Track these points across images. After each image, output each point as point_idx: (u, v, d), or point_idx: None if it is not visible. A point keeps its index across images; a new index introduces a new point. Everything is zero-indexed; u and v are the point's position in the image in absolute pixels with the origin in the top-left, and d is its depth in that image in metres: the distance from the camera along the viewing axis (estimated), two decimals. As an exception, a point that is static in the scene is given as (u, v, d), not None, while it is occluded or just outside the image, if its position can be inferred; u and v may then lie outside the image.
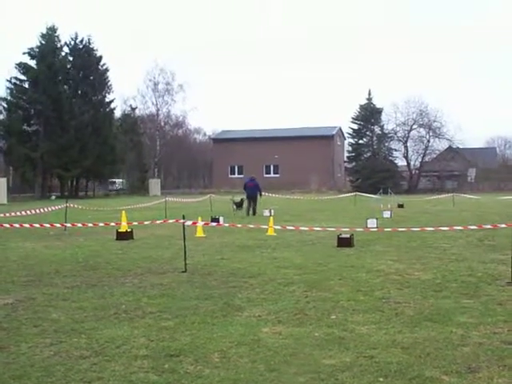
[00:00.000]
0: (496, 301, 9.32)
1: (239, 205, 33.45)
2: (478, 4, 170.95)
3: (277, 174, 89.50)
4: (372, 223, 21.95)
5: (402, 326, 7.83)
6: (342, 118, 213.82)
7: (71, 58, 75.52)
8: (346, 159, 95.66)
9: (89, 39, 76.58)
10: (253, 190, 33.26)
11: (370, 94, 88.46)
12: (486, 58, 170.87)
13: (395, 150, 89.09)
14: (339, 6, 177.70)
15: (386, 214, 29.36)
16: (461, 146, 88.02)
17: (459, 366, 6.17)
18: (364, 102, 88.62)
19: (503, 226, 13.06)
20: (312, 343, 7.08)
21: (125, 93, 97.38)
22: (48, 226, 17.61)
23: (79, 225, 17.62)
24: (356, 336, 7.36)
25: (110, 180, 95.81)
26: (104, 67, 78.48)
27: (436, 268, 12.71)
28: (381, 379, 5.82)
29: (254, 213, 32.21)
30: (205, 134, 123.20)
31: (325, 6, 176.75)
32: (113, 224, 18.24)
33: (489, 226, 14.81)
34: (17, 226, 16.66)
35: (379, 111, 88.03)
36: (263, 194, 35.04)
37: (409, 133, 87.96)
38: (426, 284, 10.85)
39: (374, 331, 7.59)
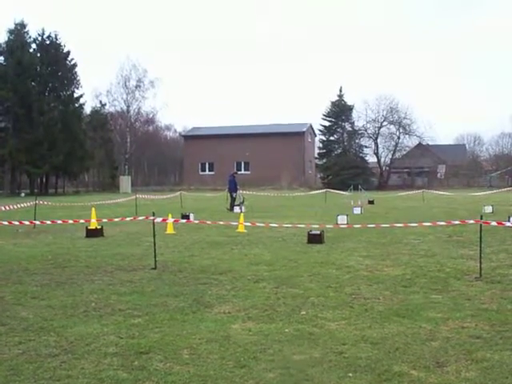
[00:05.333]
0: (465, 296, 9.41)
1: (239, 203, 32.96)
2: (451, 4, 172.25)
3: (248, 170, 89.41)
4: (342, 220, 22.06)
5: (371, 321, 7.88)
6: (312, 115, 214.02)
7: (39, 54, 74.82)
8: (316, 156, 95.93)
9: (55, 35, 76.32)
10: (228, 186, 33.61)
11: (341, 91, 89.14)
12: (457, 56, 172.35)
13: (366, 147, 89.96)
14: (310, 3, 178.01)
15: (357, 211, 29.55)
16: (430, 143, 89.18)
17: (427, 361, 6.22)
18: (335, 98, 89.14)
19: (471, 222, 13.16)
20: (282, 339, 7.10)
21: (97, 89, 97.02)
22: (17, 223, 17.42)
23: (48, 222, 17.46)
24: (326, 332, 7.39)
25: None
26: (72, 62, 78.06)
27: (405, 264, 12.80)
28: (350, 374, 5.85)
29: (229, 208, 32.21)
30: (175, 131, 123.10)
31: (295, 4, 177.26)
32: (82, 221, 18.10)
33: (457, 222, 14.95)
34: (-15, 223, 16.46)
35: (350, 108, 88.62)
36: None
37: (379, 129, 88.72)
38: (395, 280, 10.92)
39: (343, 327, 7.62)
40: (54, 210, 32.19)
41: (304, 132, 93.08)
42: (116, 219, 17.63)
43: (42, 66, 74.49)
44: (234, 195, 33.54)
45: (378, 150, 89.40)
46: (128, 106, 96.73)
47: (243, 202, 32.50)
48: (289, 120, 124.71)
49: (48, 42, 75.65)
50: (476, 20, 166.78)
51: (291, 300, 9.25)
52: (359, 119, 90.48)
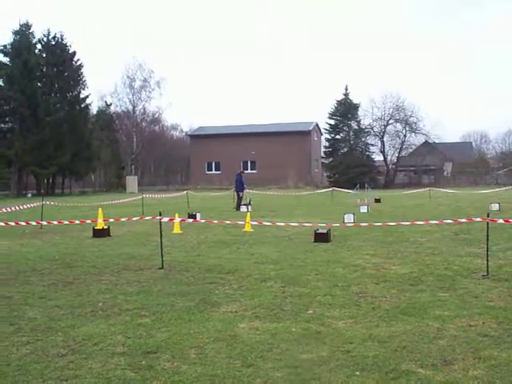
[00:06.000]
0: (472, 294, 9.39)
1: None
2: (456, 3, 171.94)
3: (254, 170, 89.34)
4: (349, 218, 22.03)
5: (378, 320, 7.87)
6: (318, 114, 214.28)
7: (44, 55, 74.93)
8: (322, 155, 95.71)
9: (61, 35, 76.39)
10: (235, 185, 33.62)
11: (346, 90, 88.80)
12: (462, 54, 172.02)
13: (372, 145, 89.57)
14: (315, 2, 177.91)
15: (363, 209, 29.47)
16: (437, 141, 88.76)
17: (435, 359, 6.21)
18: (341, 97, 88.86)
19: (478, 219, 13.11)
20: (289, 338, 7.09)
21: (102, 89, 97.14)
22: (24, 223, 17.45)
23: (55, 222, 17.47)
24: (333, 330, 7.38)
25: None
26: (78, 63, 78.19)
27: (412, 262, 12.78)
28: (357, 373, 5.84)
29: (236, 207, 32.20)
30: (181, 131, 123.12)
31: (298, 3, 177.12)
32: (89, 221, 18.11)
33: (464, 220, 14.90)
34: (-8, 224, 16.51)
35: (356, 106, 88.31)
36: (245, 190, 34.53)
37: (385, 128, 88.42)
38: (402, 278, 10.90)
39: (350, 326, 7.61)
40: (60, 211, 32.26)
41: (310, 131, 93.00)
42: (123, 219, 17.63)
43: (47, 67, 74.65)
44: (241, 194, 33.49)
45: (384, 148, 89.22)
46: (134, 106, 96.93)
47: (250, 202, 32.41)
48: (295, 119, 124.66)
49: (54, 43, 75.71)
50: (476, 19, 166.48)
51: (298, 299, 9.24)
52: (365, 117, 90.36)
